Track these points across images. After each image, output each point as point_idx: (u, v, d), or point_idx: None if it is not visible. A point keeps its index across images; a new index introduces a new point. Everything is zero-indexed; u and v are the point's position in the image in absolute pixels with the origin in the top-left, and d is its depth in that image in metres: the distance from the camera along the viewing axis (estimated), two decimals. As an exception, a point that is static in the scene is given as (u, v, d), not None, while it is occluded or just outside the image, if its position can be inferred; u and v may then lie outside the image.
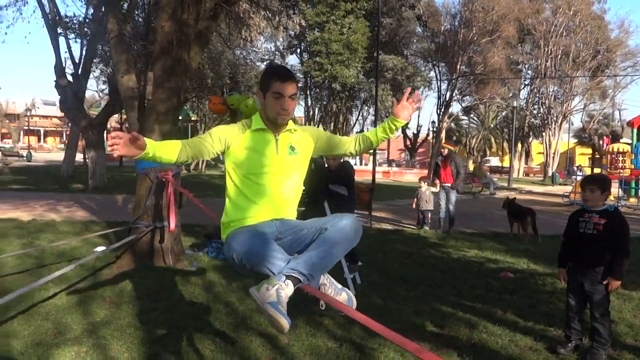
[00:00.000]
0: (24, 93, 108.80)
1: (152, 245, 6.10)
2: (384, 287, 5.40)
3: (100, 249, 6.75)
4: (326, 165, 5.45)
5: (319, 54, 30.17)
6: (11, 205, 11.15)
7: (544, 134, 35.28)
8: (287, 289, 2.02)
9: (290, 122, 2.40)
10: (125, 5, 11.91)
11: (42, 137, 72.82)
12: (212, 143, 2.31)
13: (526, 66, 33.83)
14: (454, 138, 55.60)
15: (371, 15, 31.01)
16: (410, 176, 29.62)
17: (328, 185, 5.27)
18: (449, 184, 9.52)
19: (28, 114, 48.83)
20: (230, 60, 22.44)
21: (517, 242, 8.63)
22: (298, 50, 35.97)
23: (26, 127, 58.65)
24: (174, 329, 4.00)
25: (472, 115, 50.55)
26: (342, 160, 5.37)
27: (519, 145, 42.19)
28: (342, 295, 2.32)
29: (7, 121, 53.13)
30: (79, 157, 27.98)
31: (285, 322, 1.94)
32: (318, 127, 38.36)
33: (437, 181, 9.74)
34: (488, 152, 56.39)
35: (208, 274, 5.73)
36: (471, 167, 33.63)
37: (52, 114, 66.50)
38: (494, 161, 48.58)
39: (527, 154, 47.30)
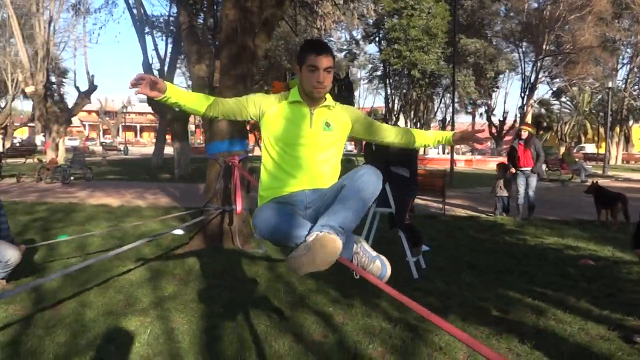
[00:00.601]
0: (120, 91, 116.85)
1: (222, 227, 6.32)
2: (450, 273, 5.23)
3: (177, 231, 7.13)
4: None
5: (398, 41, 29.66)
6: (105, 193, 12.05)
7: (645, 117, 32.34)
8: None
9: (329, 97, 2.40)
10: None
11: (138, 132, 77.92)
12: (246, 105, 2.36)
13: (624, 43, 31.10)
14: (544, 124, 52.52)
15: (453, -1, 30.09)
16: (494, 164, 28.33)
17: (389, 166, 5.16)
18: (529, 168, 8.97)
19: (124, 110, 52.34)
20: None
21: (604, 229, 8.01)
22: (376, 39, 35.62)
23: (124, 123, 63.01)
24: (233, 305, 4.12)
25: (564, 99, 47.44)
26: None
27: (617, 130, 38.99)
28: (376, 263, 2.27)
29: (107, 118, 57.30)
30: (170, 150, 29.62)
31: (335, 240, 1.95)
32: (398, 116, 37.85)
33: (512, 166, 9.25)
34: (583, 139, 52.67)
35: (273, 255, 5.84)
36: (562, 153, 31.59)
37: (147, 111, 70.82)
38: (589, 148, 45.25)
39: (627, 140, 43.58)
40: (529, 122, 18.51)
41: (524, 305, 4.23)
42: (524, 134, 9.13)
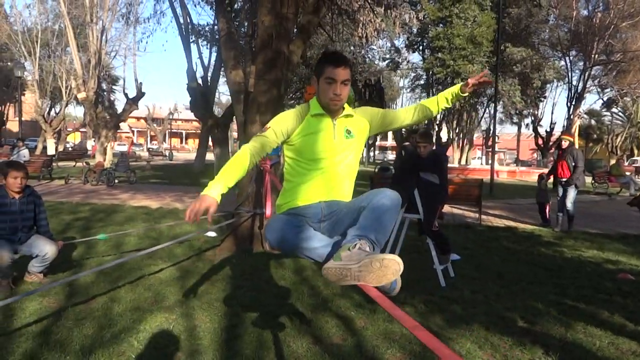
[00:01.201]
0: (167, 98, 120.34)
1: (252, 230, 6.41)
2: (478, 282, 5.12)
3: (210, 233, 7.28)
4: (417, 153, 5.29)
5: (442, 49, 29.28)
6: (145, 196, 12.43)
7: None
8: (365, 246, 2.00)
9: (347, 107, 2.41)
10: (237, 5, 12.62)
11: (184, 139, 79.97)
12: (275, 139, 2.33)
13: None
14: (594, 136, 50.67)
15: (498, 7, 29.49)
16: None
17: (419, 173, 5.12)
18: (564, 179, 8.73)
19: (171, 117, 53.84)
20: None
21: (651, 244, 7.65)
22: (420, 48, 35.33)
23: (170, 130, 64.82)
24: (256, 306, 4.18)
25: (615, 110, 45.65)
26: (433, 148, 5.18)
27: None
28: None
29: (154, 124, 59.08)
30: (212, 156, 30.27)
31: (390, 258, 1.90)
32: (441, 126, 37.33)
33: (551, 176, 9.16)
34: (636, 152, 50.48)
35: (301, 259, 5.87)
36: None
37: (192, 118, 72.67)
38: (643, 161, 43.32)
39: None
40: (575, 133, 17.89)
41: (553, 317, 4.09)
42: (564, 144, 8.88)
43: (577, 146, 18.27)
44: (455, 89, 2.55)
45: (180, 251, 6.14)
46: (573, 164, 8.60)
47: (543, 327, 3.86)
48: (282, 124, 2.34)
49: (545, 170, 26.74)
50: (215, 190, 2.09)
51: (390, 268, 1.87)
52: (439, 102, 2.58)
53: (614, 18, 21.97)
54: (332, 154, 2.33)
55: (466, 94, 2.54)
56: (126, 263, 5.26)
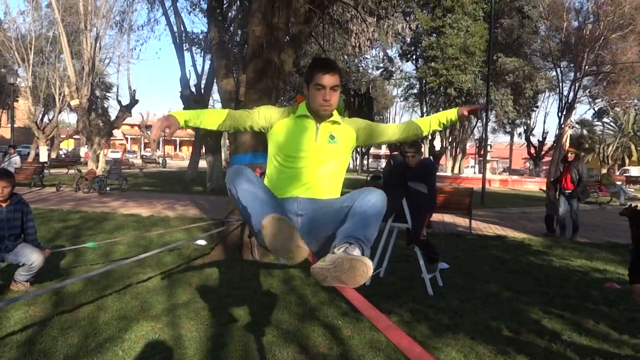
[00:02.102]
0: (161, 106, 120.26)
1: (242, 239, 6.41)
2: (466, 290, 5.14)
3: (200, 242, 7.27)
4: (406, 162, 5.32)
5: (435, 59, 29.51)
6: (137, 203, 12.39)
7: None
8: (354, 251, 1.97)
9: (336, 114, 2.43)
10: (230, 14, 12.67)
11: (177, 146, 79.81)
12: (257, 118, 2.41)
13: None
14: (586, 145, 51.02)
15: (490, 17, 29.79)
16: (531, 185, 27.68)
17: (407, 182, 5.15)
18: (569, 191, 8.90)
19: (165, 124, 53.63)
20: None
21: (638, 253, 7.70)
22: (413, 57, 35.57)
23: (164, 137, 64.58)
24: (243, 315, 4.18)
25: (607, 120, 46.06)
26: (422, 157, 5.22)
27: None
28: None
29: (148, 132, 58.89)
30: (205, 163, 30.25)
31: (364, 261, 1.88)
32: (434, 134, 37.47)
33: (556, 187, 9.16)
34: (627, 161, 50.86)
35: (290, 268, 5.88)
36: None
37: (186, 125, 72.42)
38: (634, 171, 43.61)
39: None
40: (567, 143, 18.01)
41: (539, 326, 4.12)
42: (570, 157, 9.03)
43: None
44: (452, 114, 2.55)
45: (170, 259, 6.13)
46: (577, 177, 8.76)
47: (528, 336, 3.88)
48: (267, 110, 2.44)
49: (538, 180, 26.67)
50: (180, 115, 2.31)
51: (358, 269, 1.86)
52: (432, 124, 2.58)
53: (604, 30, 22.25)
54: (313, 155, 2.34)
55: (457, 121, 2.57)
56: (114, 271, 5.25)
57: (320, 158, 2.36)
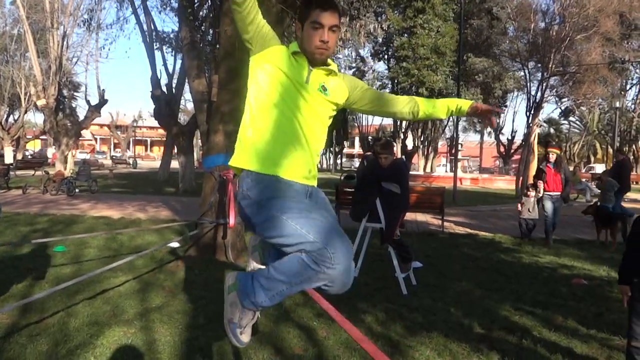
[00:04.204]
0: (130, 106, 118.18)
1: (216, 240, 6.36)
2: (439, 289, 5.22)
3: (173, 244, 7.18)
4: (379, 163, 5.36)
5: (406, 59, 29.80)
6: (107, 205, 12.17)
7: (655, 137, 32.17)
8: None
9: (332, 63, 2.13)
10: (201, 13, 12.56)
11: (148, 147, 78.67)
12: (263, 23, 2.06)
13: (634, 64, 31.11)
14: (553, 143, 52.33)
15: (460, 18, 30.26)
16: (501, 183, 28.27)
17: (380, 182, 5.19)
18: (558, 193, 8.30)
19: (135, 125, 52.89)
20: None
21: (603, 249, 7.94)
22: (385, 57, 35.87)
23: (134, 137, 63.65)
24: (218, 318, 4.13)
25: (573, 119, 47.35)
26: (395, 158, 5.27)
27: (626, 150, 38.70)
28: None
29: (118, 132, 57.94)
30: (177, 164, 29.91)
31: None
32: (406, 134, 37.88)
33: (540, 188, 8.43)
34: (592, 159, 52.42)
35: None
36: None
37: (157, 125, 71.58)
38: (599, 168, 44.93)
39: (636, 160, 43.24)
40: (535, 141, 18.43)
41: (510, 323, 4.21)
42: (552, 157, 8.42)
43: (536, 154, 18.81)
44: (462, 104, 2.27)
45: (142, 262, 6.03)
46: (564, 178, 8.33)
47: (500, 333, 3.96)
48: (274, 39, 2.08)
49: (508, 178, 27.02)
50: None
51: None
52: (434, 108, 2.29)
53: (570, 31, 22.87)
54: (304, 101, 2.03)
55: (465, 115, 2.31)
56: (84, 274, 5.14)
57: (312, 107, 2.05)
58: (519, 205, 9.05)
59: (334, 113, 2.18)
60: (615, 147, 19.25)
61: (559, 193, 8.36)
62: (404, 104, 2.29)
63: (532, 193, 8.80)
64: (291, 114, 2.01)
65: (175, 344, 3.58)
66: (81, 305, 4.34)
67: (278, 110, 2.01)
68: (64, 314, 4.10)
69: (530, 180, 8.99)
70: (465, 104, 2.26)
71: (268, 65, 2.04)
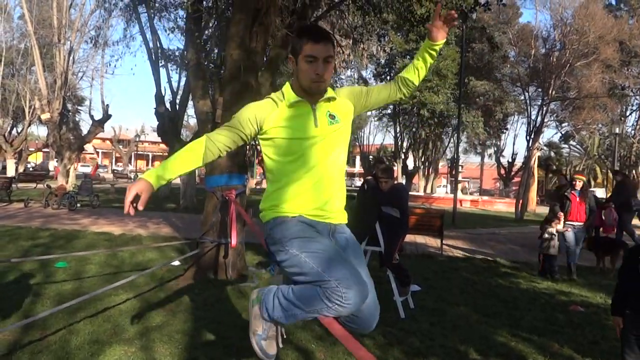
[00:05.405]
0: (134, 120, 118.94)
1: (217, 260, 6.42)
2: (436, 313, 5.26)
3: (174, 263, 7.22)
4: (379, 187, 5.45)
5: (408, 81, 30.10)
6: (108, 221, 12.22)
7: (654, 163, 32.29)
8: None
9: (329, 89, 2.15)
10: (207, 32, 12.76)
11: (150, 161, 78.80)
12: (242, 129, 2.08)
13: (633, 90, 31.41)
14: (554, 167, 52.44)
15: (462, 42, 30.63)
16: (501, 206, 28.29)
17: (380, 207, 5.27)
18: (581, 223, 7.74)
19: (137, 139, 53.11)
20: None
21: (601, 276, 7.98)
22: (387, 78, 36.26)
23: (136, 152, 63.83)
24: (218, 338, 4.19)
25: (573, 143, 47.52)
26: (395, 183, 5.36)
27: (627, 175, 38.74)
28: None
29: (120, 146, 58.13)
30: (178, 180, 29.96)
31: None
32: (407, 154, 38.05)
33: (561, 219, 7.68)
34: (593, 183, 52.50)
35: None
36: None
37: (159, 140, 71.88)
38: (600, 192, 44.98)
39: (636, 185, 43.32)
40: (535, 165, 18.54)
41: (507, 349, 4.25)
42: (579, 185, 7.83)
43: (536, 178, 18.93)
44: (425, 44, 2.25)
45: (142, 280, 6.07)
46: (589, 208, 7.76)
47: (496, 359, 4.00)
48: (251, 112, 2.10)
49: (508, 201, 26.90)
50: (151, 175, 2.00)
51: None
52: (414, 66, 2.28)
53: (570, 57, 23.14)
54: (318, 145, 2.07)
55: (439, 42, 2.23)
56: (85, 293, 5.18)
57: (326, 145, 2.10)
58: (541, 238, 7.76)
59: (350, 127, 2.26)
60: (613, 170, 19.21)
61: (582, 223, 7.76)
62: (393, 84, 2.32)
63: (559, 225, 7.66)
64: (308, 164, 2.09)
65: (175, 364, 3.62)
66: (82, 323, 4.39)
67: (295, 165, 2.10)
68: (65, 332, 4.14)
69: (547, 207, 8.11)
70: (426, 43, 2.25)
71: (271, 136, 2.11)
